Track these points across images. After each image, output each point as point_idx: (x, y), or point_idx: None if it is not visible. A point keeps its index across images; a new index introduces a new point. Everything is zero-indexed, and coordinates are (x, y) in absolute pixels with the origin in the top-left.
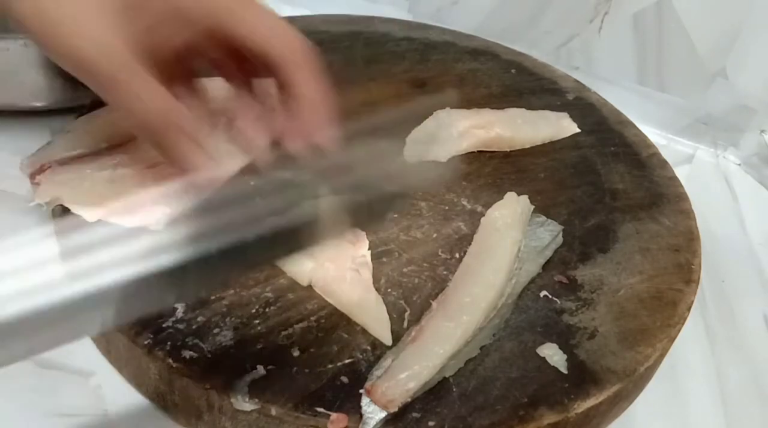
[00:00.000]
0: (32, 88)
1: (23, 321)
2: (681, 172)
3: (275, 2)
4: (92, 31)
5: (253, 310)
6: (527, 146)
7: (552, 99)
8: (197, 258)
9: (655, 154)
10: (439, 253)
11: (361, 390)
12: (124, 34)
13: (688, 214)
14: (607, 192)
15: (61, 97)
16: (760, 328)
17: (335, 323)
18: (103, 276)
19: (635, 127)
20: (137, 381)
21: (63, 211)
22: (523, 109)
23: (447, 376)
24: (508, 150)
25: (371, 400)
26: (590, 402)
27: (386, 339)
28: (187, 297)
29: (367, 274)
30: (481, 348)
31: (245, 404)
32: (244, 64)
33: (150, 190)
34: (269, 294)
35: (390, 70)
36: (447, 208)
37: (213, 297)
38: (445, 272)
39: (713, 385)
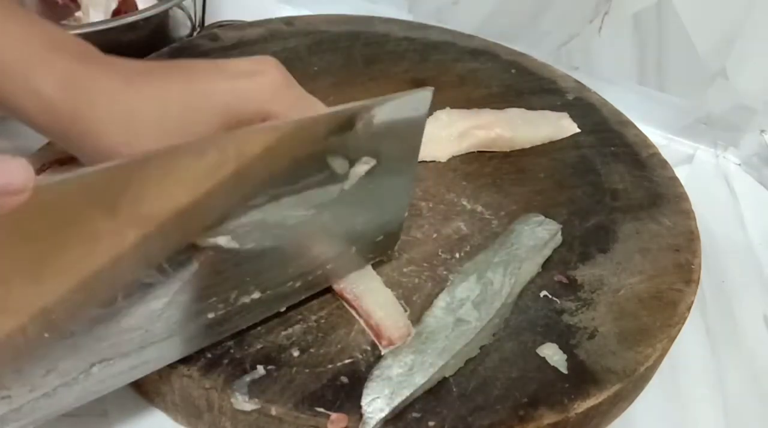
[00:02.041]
0: None
1: None
2: (681, 172)
3: (276, 2)
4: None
5: None
6: (527, 146)
7: (552, 99)
8: None
9: (655, 154)
10: (439, 253)
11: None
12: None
13: (688, 214)
14: (607, 192)
15: None
16: (760, 328)
17: (335, 323)
18: None
19: (635, 127)
20: (137, 381)
21: None
22: (523, 109)
23: (447, 376)
24: (508, 150)
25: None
26: (590, 402)
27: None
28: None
29: None
30: (480, 348)
31: (245, 404)
32: None
33: None
34: None
35: (390, 70)
36: (447, 207)
37: None
38: (444, 272)
39: (713, 385)
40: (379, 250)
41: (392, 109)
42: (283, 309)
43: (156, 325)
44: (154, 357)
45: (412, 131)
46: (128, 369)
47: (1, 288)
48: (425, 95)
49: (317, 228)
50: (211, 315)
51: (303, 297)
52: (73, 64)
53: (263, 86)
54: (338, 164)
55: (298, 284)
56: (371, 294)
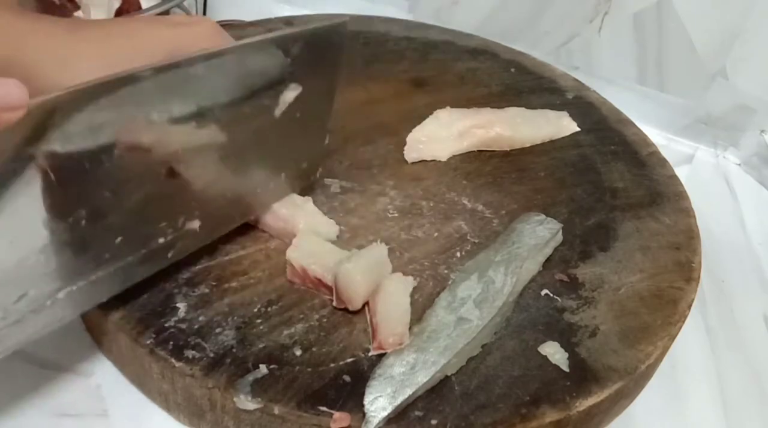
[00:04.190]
0: None
1: None
2: (681, 172)
3: (276, 2)
4: None
5: (255, 309)
6: (527, 145)
7: (551, 98)
8: None
9: (655, 153)
10: (440, 252)
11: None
12: None
13: (687, 212)
14: (607, 190)
15: None
16: (760, 328)
17: (337, 322)
18: None
19: (635, 125)
20: (140, 380)
21: None
22: (523, 108)
23: (449, 375)
24: (508, 149)
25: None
26: (592, 400)
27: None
28: None
29: None
30: (482, 347)
31: (248, 403)
32: None
33: None
34: (271, 294)
35: (390, 70)
36: (448, 207)
37: (215, 297)
38: (446, 271)
39: (713, 384)
40: (305, 176)
41: (311, 38)
42: (222, 235)
43: (108, 249)
44: (114, 281)
45: (331, 58)
46: (92, 292)
47: None
48: (341, 24)
49: (251, 155)
50: (161, 240)
51: (239, 223)
52: (10, 15)
53: (200, 33)
54: (266, 92)
55: (234, 210)
56: (388, 297)
